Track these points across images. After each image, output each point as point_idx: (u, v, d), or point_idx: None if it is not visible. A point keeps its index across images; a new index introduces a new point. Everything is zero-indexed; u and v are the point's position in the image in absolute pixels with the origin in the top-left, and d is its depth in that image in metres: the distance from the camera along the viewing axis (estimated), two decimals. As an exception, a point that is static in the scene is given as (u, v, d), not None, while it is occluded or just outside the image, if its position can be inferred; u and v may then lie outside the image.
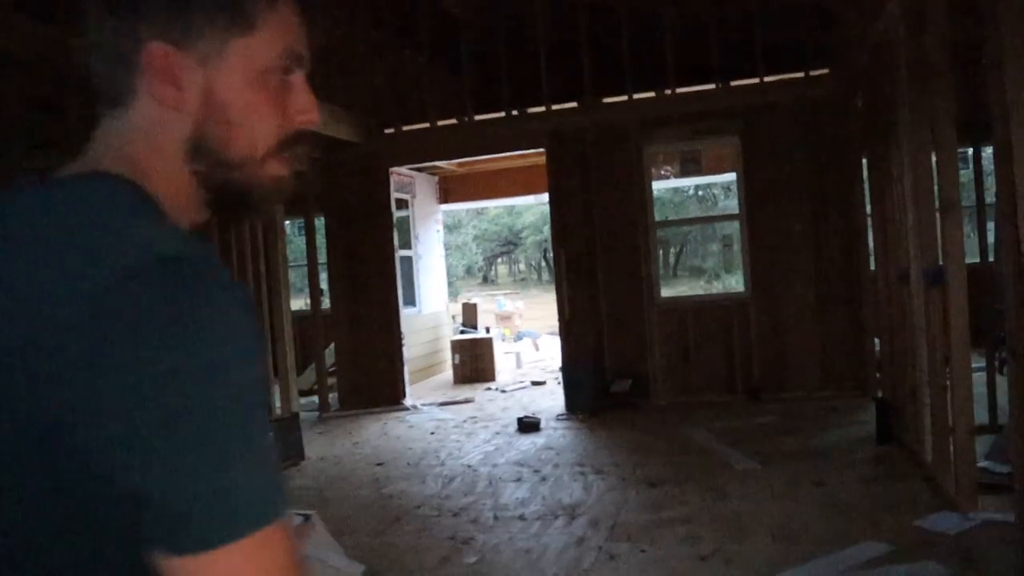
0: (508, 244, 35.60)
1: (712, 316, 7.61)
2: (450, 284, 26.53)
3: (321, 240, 9.08)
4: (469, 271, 35.99)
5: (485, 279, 38.02)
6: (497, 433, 6.84)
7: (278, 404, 7.07)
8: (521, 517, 4.52)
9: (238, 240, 6.33)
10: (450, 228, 28.97)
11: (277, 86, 0.81)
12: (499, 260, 39.14)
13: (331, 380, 8.88)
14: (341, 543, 4.27)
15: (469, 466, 5.75)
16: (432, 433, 7.05)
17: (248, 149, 0.80)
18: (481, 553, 4.01)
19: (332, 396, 8.69)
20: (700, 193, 26.58)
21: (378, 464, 6.02)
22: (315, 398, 8.64)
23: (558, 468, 5.53)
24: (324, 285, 9.16)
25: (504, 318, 18.16)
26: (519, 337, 16.17)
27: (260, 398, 0.67)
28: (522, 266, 39.59)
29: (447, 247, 28.75)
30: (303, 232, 9.16)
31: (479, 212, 30.85)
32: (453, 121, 8.14)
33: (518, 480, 5.29)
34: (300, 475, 5.87)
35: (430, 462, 5.97)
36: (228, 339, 0.65)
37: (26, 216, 0.71)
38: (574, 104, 7.75)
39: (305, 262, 8.72)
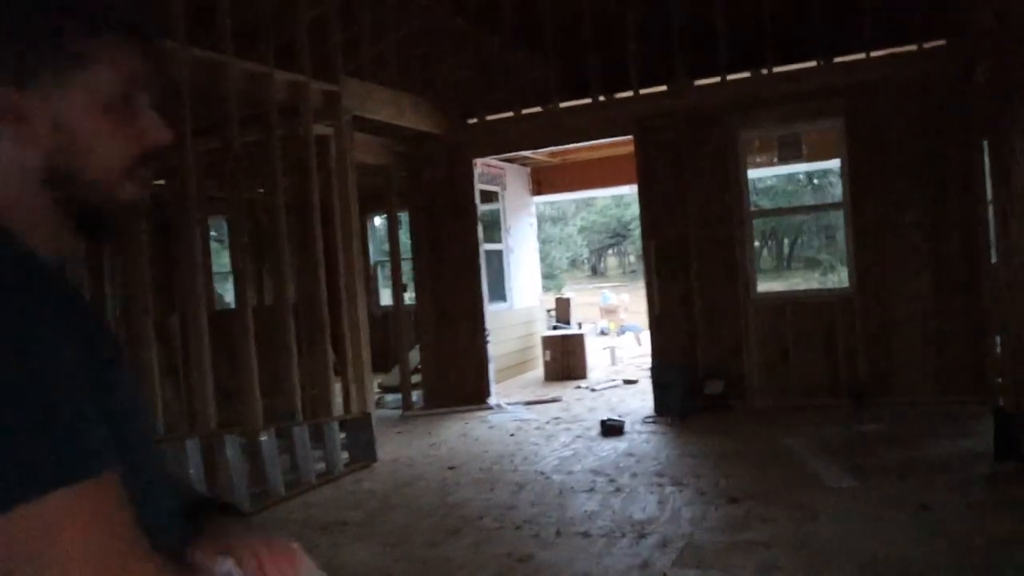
0: (616, 235, 34.96)
1: (813, 312, 7.02)
2: (553, 277, 26.33)
3: (405, 235, 8.96)
4: (574, 263, 35.57)
5: (594, 271, 37.53)
6: (578, 436, 6.51)
7: (341, 404, 6.95)
8: (586, 534, 4.18)
9: (307, 237, 6.22)
10: (554, 220, 28.62)
11: (123, 111, 0.87)
12: (608, 252, 38.54)
13: (417, 377, 8.76)
14: (391, 555, 4.05)
15: (542, 473, 5.44)
16: (512, 435, 6.78)
17: (100, 173, 0.86)
18: (535, 575, 3.71)
19: (418, 394, 8.57)
20: (816, 181, 25.28)
21: (450, 468, 5.79)
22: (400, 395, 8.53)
23: (635, 478, 5.16)
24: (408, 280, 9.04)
25: (609, 311, 17.77)
26: (622, 331, 15.75)
27: (23, 376, 0.72)
28: (632, 258, 38.90)
29: (550, 239, 28.54)
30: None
31: (587, 203, 30.40)
32: (538, 109, 7.82)
33: (590, 490, 4.95)
34: (368, 478, 5.71)
35: (503, 467, 5.70)
36: None
37: None
38: (664, 87, 7.30)
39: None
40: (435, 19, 7.69)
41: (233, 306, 6.26)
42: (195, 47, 5.08)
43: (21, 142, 0.83)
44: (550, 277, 25.03)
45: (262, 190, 7.22)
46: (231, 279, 7.45)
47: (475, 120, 8.10)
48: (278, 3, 5.88)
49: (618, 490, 4.92)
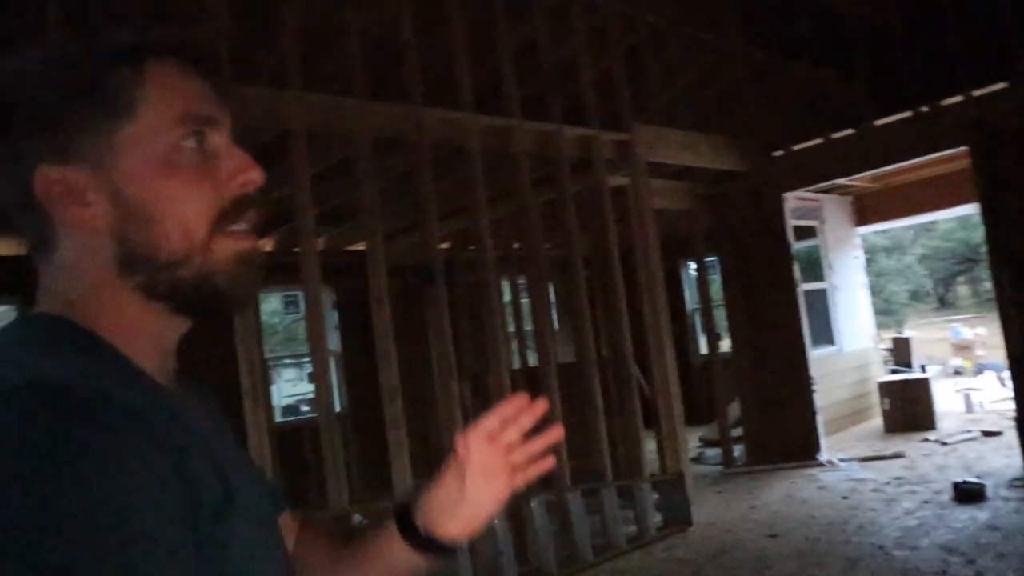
0: (966, 260, 30.96)
1: None
2: (891, 314, 23.85)
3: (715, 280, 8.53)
4: (916, 296, 32.11)
5: (942, 303, 33.58)
6: (926, 501, 5.58)
7: (654, 462, 6.62)
8: (937, 630, 3.46)
9: (609, 290, 6.09)
10: (888, 251, 26.16)
11: (193, 159, 0.71)
12: (957, 280, 34.31)
13: (738, 430, 8.20)
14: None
15: (881, 547, 4.69)
16: (845, 498, 6.00)
17: (183, 240, 0.71)
18: None
19: (739, 448, 8.00)
20: None
21: (771, 536, 5.22)
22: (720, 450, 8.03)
23: (1001, 559, 4.24)
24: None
25: (962, 348, 15.61)
26: (980, 370, 13.70)
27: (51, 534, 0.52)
28: (988, 284, 34.21)
29: (885, 272, 26.04)
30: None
31: (926, 228, 27.35)
32: (850, 131, 7.06)
33: (941, 573, 4.14)
34: (682, 545, 5.33)
35: (833, 537, 5.01)
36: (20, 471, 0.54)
37: None
38: (1003, 84, 6.21)
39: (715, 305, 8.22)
40: (726, 55, 7.30)
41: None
42: (483, 115, 5.21)
43: (85, 228, 0.70)
44: (887, 314, 22.70)
45: (559, 246, 7.26)
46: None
47: (781, 152, 7.53)
48: (562, 65, 5.90)
49: (978, 575, 4.06)
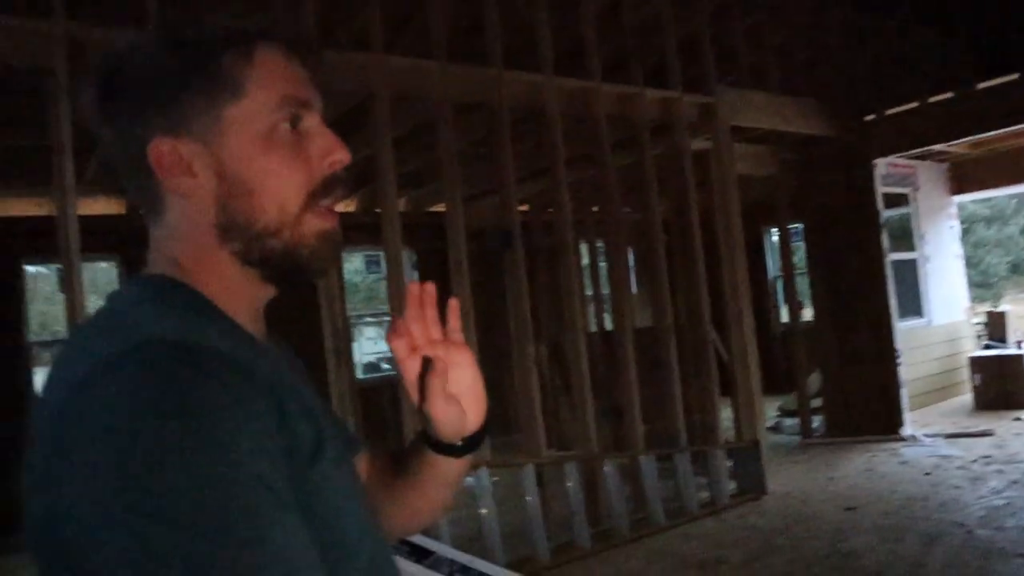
0: (1077, 232, 29.35)
1: None
2: (989, 287, 22.80)
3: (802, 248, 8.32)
4: (1016, 269, 30.68)
5: (1046, 276, 31.95)
6: (1014, 482, 5.39)
7: (730, 430, 6.55)
8: (1018, 610, 3.38)
9: (689, 256, 6.01)
10: (988, 221, 25.01)
11: (289, 139, 0.77)
12: (1067, 252, 32.52)
13: (817, 401, 8.06)
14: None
15: (963, 525, 4.57)
16: (927, 474, 5.85)
17: (277, 212, 0.77)
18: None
19: (818, 419, 7.87)
20: None
21: (848, 508, 5.15)
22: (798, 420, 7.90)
23: (1093, 542, 4.09)
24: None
25: (1065, 324, 14.90)
26: (1082, 349, 13.05)
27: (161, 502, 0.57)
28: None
29: (983, 243, 24.88)
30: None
31: (1032, 197, 25.97)
32: (949, 95, 6.76)
33: (1026, 553, 4.03)
34: (755, 513, 5.30)
35: (913, 513, 4.91)
36: (148, 435, 0.58)
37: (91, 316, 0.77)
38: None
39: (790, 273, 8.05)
40: (818, 15, 7.05)
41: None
42: (563, 78, 5.18)
43: (190, 197, 0.76)
44: (984, 287, 21.77)
45: (638, 210, 7.21)
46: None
47: (873, 116, 7.26)
48: (645, 26, 5.81)
49: (1067, 556, 3.93)
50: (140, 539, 0.56)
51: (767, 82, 6.70)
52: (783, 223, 8.00)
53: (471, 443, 0.95)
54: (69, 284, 3.45)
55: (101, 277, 12.49)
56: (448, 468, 0.97)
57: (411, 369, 0.90)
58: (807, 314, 8.82)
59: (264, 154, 0.76)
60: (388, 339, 0.89)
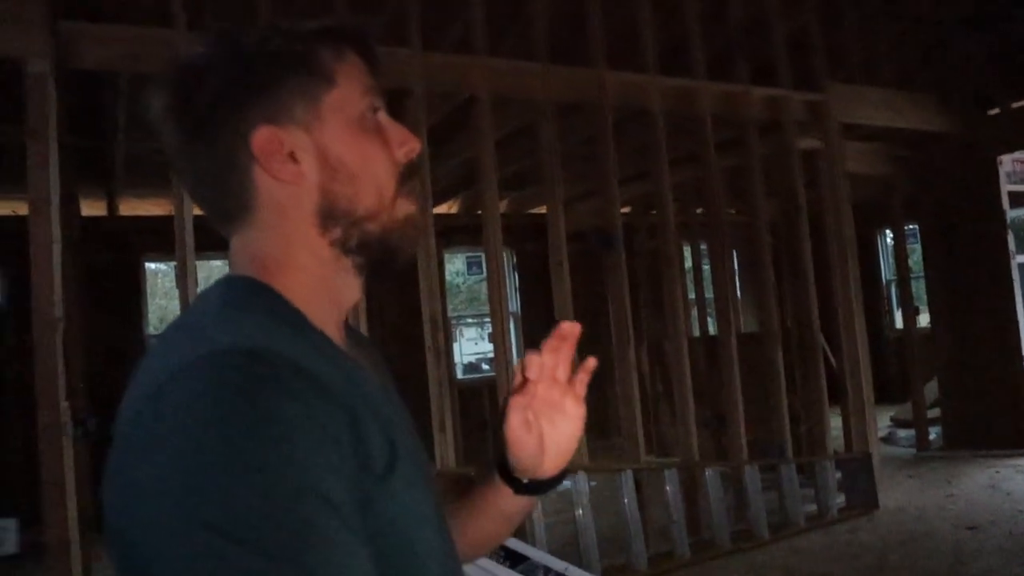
0: None
1: None
2: None
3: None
4: None
5: None
6: None
7: (839, 440, 6.28)
8: None
9: (797, 259, 5.80)
10: None
11: (375, 127, 0.80)
12: None
13: (935, 411, 7.66)
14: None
15: (1098, 549, 4.26)
16: (1058, 492, 5.48)
17: (376, 196, 0.79)
18: None
19: (935, 430, 7.48)
20: None
21: (969, 528, 4.86)
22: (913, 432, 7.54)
23: None
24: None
25: None
26: None
27: (221, 517, 0.56)
28: None
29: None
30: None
31: None
32: (1084, 86, 6.33)
33: None
34: (866, 528, 5.07)
35: (1042, 534, 4.60)
36: (213, 452, 0.58)
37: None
38: None
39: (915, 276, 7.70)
40: (935, 4, 6.69)
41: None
42: (667, 77, 5.09)
43: (294, 184, 0.77)
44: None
45: (743, 212, 7.02)
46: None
47: (997, 110, 6.85)
48: (750, 23, 5.64)
49: None
50: (201, 555, 0.55)
51: (880, 76, 6.42)
52: (898, 224, 7.65)
53: (536, 486, 0.94)
54: (183, 280, 3.60)
55: (216, 273, 13.07)
56: (508, 501, 0.95)
57: (524, 397, 0.88)
58: (922, 319, 8.41)
59: (360, 139, 0.78)
60: (523, 362, 0.86)
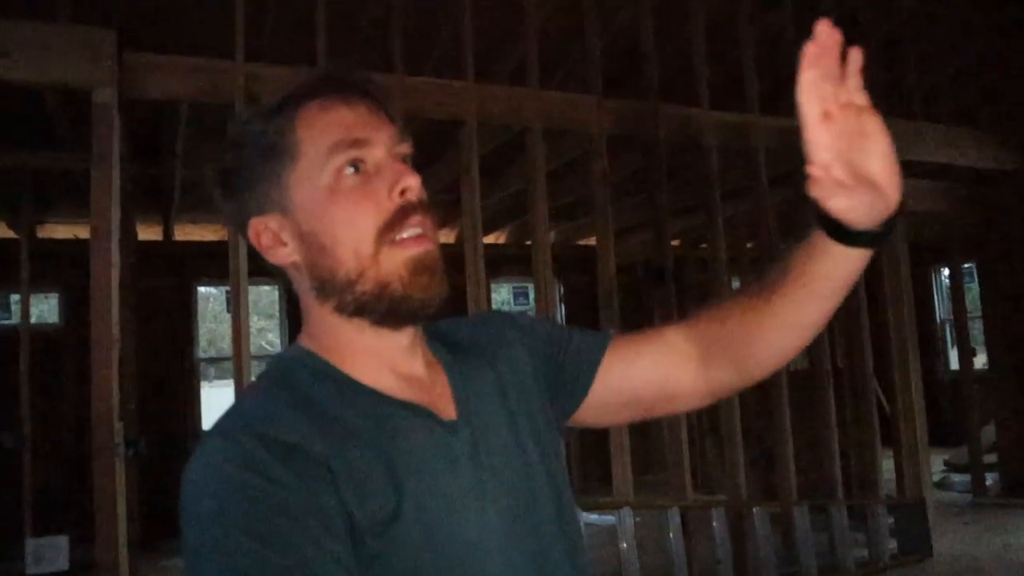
0: None
1: None
2: None
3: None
4: None
5: None
6: None
7: (891, 482, 6.10)
8: None
9: (851, 296, 5.67)
10: None
11: (354, 183, 0.79)
12: None
13: (992, 456, 7.41)
14: None
15: None
16: (1124, 545, 5.25)
17: (354, 259, 0.78)
18: None
19: (992, 476, 7.24)
20: None
21: (1030, 579, 4.68)
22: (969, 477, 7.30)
23: None
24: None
25: None
26: None
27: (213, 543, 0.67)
28: None
29: None
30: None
31: None
32: None
33: None
34: (921, 576, 4.90)
35: (1109, 589, 4.40)
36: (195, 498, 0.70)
37: None
38: None
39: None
40: (999, 39, 6.57)
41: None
42: (721, 111, 5.06)
43: (290, 266, 0.83)
44: None
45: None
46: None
47: (1061, 148, 6.67)
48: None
49: None
50: None
51: (940, 112, 6.31)
52: (955, 263, 7.47)
53: (887, 227, 0.80)
54: (236, 305, 3.65)
55: (264, 299, 13.22)
56: (842, 263, 0.83)
57: (821, 140, 0.76)
58: (979, 360, 8.17)
59: (328, 205, 0.78)
60: (799, 96, 0.75)
